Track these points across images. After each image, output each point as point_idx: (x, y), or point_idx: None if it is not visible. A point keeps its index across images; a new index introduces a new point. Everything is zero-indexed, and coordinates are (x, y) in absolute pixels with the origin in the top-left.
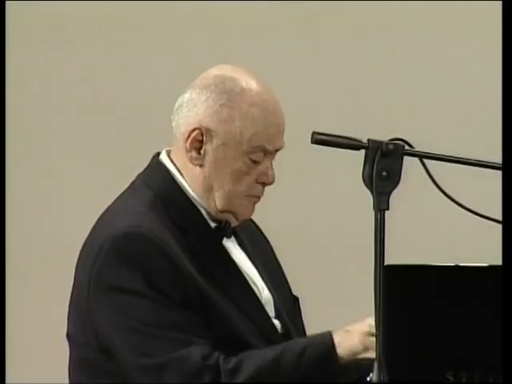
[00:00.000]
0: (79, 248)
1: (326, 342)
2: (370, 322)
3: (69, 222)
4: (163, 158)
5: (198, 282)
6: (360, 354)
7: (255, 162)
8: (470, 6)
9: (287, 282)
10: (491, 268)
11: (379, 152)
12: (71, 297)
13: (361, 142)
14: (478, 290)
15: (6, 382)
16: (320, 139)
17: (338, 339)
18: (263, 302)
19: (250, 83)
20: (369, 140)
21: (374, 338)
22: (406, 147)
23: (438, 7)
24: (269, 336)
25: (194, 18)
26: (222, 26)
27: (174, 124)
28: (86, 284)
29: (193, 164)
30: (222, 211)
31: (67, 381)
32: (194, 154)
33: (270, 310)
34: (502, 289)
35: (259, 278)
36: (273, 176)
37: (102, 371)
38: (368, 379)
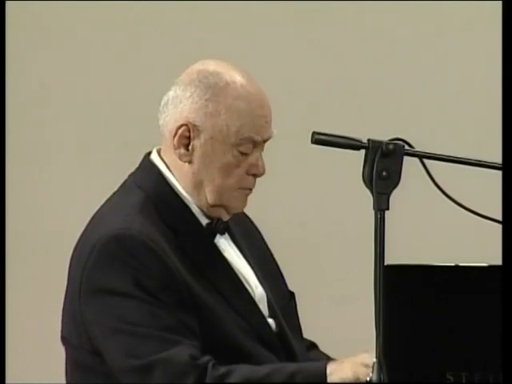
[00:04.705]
0: None
1: (318, 370)
2: (364, 356)
3: (69, 222)
4: (154, 157)
5: (188, 283)
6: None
7: (244, 154)
8: (470, 5)
9: (283, 278)
10: (491, 268)
11: (379, 152)
12: (65, 299)
13: (361, 141)
14: (478, 289)
15: (6, 382)
16: (320, 139)
17: (330, 370)
18: (256, 300)
19: (234, 76)
20: (369, 140)
21: (366, 369)
22: (406, 147)
23: (438, 7)
24: (263, 335)
25: (192, 17)
26: (221, 26)
27: (161, 122)
28: (78, 287)
29: (182, 161)
30: (214, 205)
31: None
32: (182, 150)
33: (264, 309)
34: (502, 289)
35: (253, 276)
36: (263, 167)
37: (98, 373)
38: (368, 379)
